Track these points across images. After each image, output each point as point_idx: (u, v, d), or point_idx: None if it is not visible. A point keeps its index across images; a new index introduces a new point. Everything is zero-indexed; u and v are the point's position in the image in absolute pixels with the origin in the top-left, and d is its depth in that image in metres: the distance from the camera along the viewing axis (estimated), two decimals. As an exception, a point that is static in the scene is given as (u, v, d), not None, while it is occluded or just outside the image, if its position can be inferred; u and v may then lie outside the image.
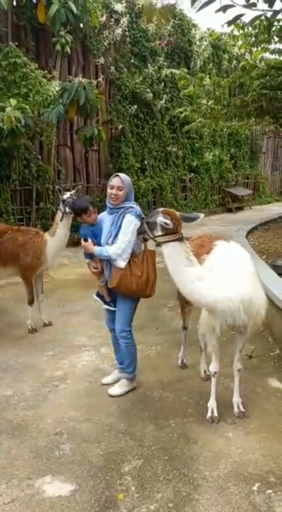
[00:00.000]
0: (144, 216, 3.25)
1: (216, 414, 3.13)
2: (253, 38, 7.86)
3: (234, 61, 14.69)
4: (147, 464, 2.69)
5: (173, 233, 2.83)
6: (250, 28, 7.68)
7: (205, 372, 3.74)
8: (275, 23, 7.50)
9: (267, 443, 2.85)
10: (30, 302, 4.95)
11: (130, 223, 3.18)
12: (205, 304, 2.91)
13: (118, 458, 2.76)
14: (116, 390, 3.47)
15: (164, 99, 12.27)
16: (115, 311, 3.43)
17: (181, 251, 2.83)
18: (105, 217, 3.38)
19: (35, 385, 3.70)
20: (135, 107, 11.30)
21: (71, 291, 6.32)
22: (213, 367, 3.16)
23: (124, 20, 10.87)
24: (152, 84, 11.95)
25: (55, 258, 5.09)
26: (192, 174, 14.00)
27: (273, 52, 8.24)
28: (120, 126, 11.02)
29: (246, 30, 7.77)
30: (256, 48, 8.31)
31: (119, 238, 3.19)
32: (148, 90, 11.56)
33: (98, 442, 2.91)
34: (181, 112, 9.82)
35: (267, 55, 8.50)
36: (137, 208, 3.26)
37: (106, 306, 3.50)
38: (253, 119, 9.65)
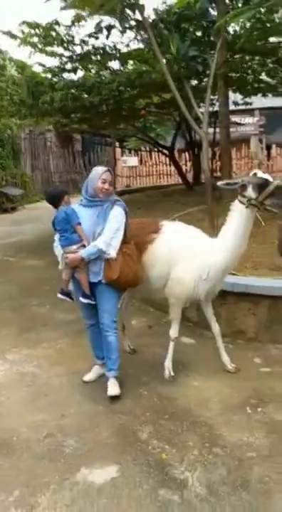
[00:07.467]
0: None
1: (172, 373, 3.55)
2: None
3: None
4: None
5: None
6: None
7: (129, 346, 4.05)
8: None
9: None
10: None
11: (119, 214, 3.23)
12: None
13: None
14: (115, 390, 3.27)
15: None
16: (94, 305, 3.30)
17: None
18: (81, 210, 3.25)
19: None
20: None
21: None
22: (174, 332, 3.55)
23: None
24: None
25: None
26: None
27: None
28: None
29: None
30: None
31: (107, 227, 3.17)
32: None
33: None
34: None
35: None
36: (122, 202, 3.32)
37: (86, 301, 3.25)
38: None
